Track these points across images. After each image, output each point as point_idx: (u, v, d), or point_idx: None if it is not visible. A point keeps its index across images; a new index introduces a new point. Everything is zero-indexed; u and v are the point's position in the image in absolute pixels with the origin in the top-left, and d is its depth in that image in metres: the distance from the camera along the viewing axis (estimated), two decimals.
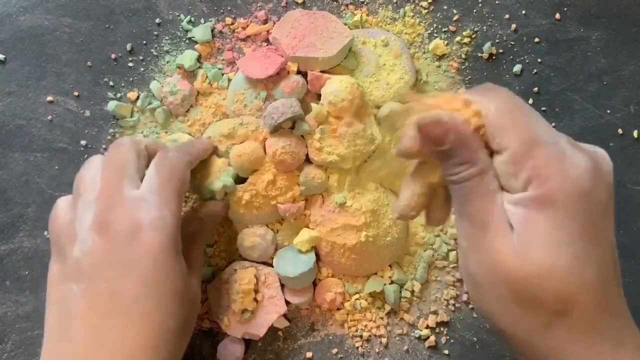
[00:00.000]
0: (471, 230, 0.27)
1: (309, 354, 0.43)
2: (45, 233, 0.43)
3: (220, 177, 0.40)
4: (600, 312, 0.26)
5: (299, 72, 0.42)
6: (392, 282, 0.42)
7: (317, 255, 0.42)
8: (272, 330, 0.43)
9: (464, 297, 0.43)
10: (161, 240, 0.31)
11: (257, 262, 0.42)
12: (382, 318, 0.43)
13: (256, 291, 0.41)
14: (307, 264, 0.40)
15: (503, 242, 0.26)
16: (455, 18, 0.45)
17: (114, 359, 0.29)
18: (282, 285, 0.42)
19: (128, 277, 0.31)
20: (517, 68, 0.45)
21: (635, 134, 0.44)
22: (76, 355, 0.30)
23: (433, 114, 0.26)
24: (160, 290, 0.31)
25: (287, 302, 0.42)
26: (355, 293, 0.42)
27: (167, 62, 0.45)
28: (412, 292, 0.43)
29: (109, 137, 0.44)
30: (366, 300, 0.42)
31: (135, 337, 0.30)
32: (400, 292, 0.42)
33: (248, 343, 0.42)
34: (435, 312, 0.43)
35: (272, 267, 0.41)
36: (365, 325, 0.42)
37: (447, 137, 0.26)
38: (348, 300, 0.42)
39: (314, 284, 0.43)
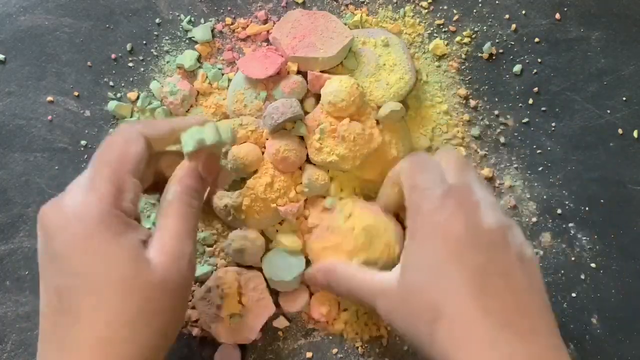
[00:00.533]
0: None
1: (309, 354, 0.43)
2: None
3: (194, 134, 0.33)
4: (475, 320, 0.28)
5: (299, 72, 0.42)
6: None
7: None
8: (272, 330, 0.43)
9: None
10: (85, 228, 0.29)
11: (243, 266, 0.42)
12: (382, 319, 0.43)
13: (240, 294, 0.41)
14: (299, 266, 0.41)
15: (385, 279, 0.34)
16: (455, 18, 0.45)
17: (71, 357, 0.28)
18: (277, 292, 0.42)
19: (64, 272, 0.29)
20: (517, 68, 0.45)
21: (635, 134, 0.44)
22: (44, 356, 0.29)
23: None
24: (98, 280, 0.29)
25: (285, 308, 0.42)
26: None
27: (167, 62, 0.45)
28: None
29: None
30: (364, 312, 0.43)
31: (83, 333, 0.28)
32: None
33: (247, 345, 0.42)
34: None
35: (257, 270, 0.42)
36: (365, 326, 0.42)
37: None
38: (345, 310, 0.42)
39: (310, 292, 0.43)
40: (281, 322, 0.42)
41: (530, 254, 0.31)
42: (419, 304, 0.30)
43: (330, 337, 0.43)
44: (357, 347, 0.43)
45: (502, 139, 0.45)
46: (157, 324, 0.30)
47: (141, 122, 0.36)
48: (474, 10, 0.45)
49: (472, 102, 0.45)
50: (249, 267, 0.42)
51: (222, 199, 0.40)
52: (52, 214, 0.30)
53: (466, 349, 0.28)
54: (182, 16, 0.45)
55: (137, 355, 0.29)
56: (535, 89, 0.45)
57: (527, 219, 0.44)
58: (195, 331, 0.42)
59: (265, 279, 0.42)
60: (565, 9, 0.45)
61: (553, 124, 0.45)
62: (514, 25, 0.45)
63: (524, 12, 0.45)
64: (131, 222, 0.30)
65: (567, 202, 0.44)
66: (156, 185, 0.36)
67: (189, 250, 0.31)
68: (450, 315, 0.29)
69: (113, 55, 0.44)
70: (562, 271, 0.43)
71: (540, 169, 0.44)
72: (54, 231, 0.30)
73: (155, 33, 0.45)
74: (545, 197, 0.44)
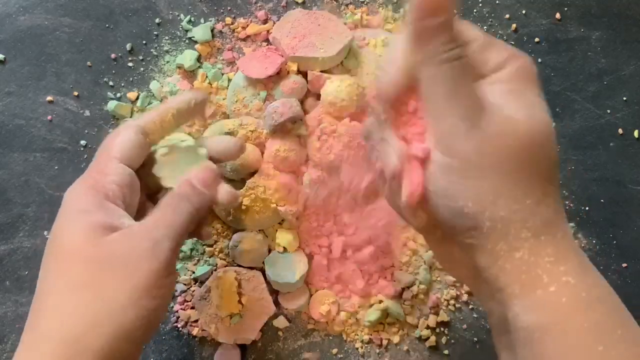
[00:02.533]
0: (468, 110, 0.26)
1: (309, 354, 0.43)
2: (45, 233, 0.43)
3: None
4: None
5: (299, 72, 0.42)
6: (392, 297, 0.42)
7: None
8: (272, 330, 0.43)
9: (464, 297, 0.43)
10: (63, 208, 0.31)
11: (242, 267, 0.42)
12: (381, 323, 0.43)
13: (240, 294, 0.41)
14: (303, 267, 0.41)
15: (507, 109, 0.26)
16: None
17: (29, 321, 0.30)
18: (277, 292, 0.42)
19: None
20: None
21: (635, 134, 0.44)
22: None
23: None
24: (55, 249, 0.31)
25: (285, 308, 0.42)
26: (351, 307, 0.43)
27: (167, 62, 0.44)
28: (416, 295, 0.43)
29: None
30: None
31: (36, 297, 0.30)
32: (402, 296, 0.43)
33: (247, 345, 0.42)
34: (435, 312, 0.43)
35: (257, 270, 0.42)
36: (365, 326, 0.42)
37: (447, 7, 0.26)
38: (344, 310, 0.42)
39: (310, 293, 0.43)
40: (281, 322, 0.42)
41: None
42: (551, 148, 0.28)
43: (330, 337, 0.43)
44: (357, 348, 0.43)
45: None
46: (99, 297, 0.29)
47: (138, 117, 0.37)
48: (474, 10, 0.45)
49: None
50: (249, 267, 0.42)
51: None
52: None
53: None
54: (182, 16, 0.45)
55: (75, 325, 0.28)
56: None
57: None
58: (195, 331, 0.42)
59: (265, 279, 0.42)
60: (566, 9, 0.45)
61: (553, 124, 0.44)
62: (514, 25, 0.45)
63: (524, 12, 0.45)
64: (104, 204, 0.31)
65: (567, 202, 0.44)
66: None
67: (156, 236, 0.30)
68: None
69: (113, 55, 0.44)
70: None
71: None
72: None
73: (155, 33, 0.45)
74: None
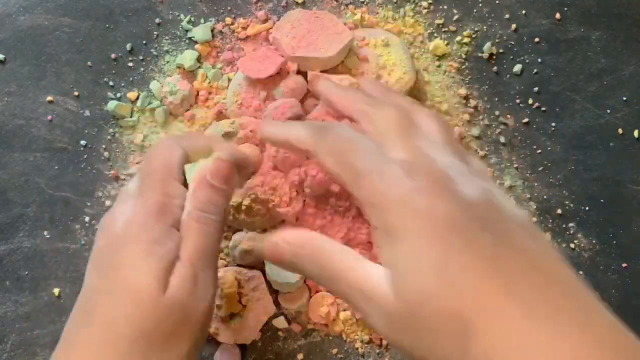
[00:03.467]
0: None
1: (308, 355, 0.43)
2: (45, 233, 0.43)
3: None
4: (515, 322, 0.23)
5: (299, 72, 0.42)
6: None
7: None
8: (272, 330, 0.43)
9: None
10: (124, 237, 0.29)
11: (243, 266, 0.42)
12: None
13: (240, 294, 0.41)
14: None
15: (377, 287, 0.26)
16: (455, 18, 0.45)
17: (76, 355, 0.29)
18: (277, 292, 0.42)
19: (96, 275, 0.30)
20: (517, 68, 0.45)
21: (635, 134, 0.44)
22: (55, 354, 0.30)
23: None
24: (118, 289, 0.28)
25: (285, 308, 0.42)
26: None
27: (167, 62, 0.45)
28: None
29: (108, 137, 0.44)
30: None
31: (91, 335, 0.28)
32: None
33: (247, 345, 0.42)
34: None
35: (257, 270, 0.42)
36: (365, 326, 0.42)
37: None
38: (345, 310, 0.42)
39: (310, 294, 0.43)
40: (281, 322, 0.42)
41: (524, 216, 0.26)
42: (436, 318, 0.23)
43: (330, 337, 0.43)
44: (357, 348, 0.43)
45: (502, 139, 0.45)
46: (166, 350, 0.28)
47: (180, 135, 0.37)
48: (474, 10, 0.45)
49: (472, 102, 0.45)
50: (249, 267, 0.42)
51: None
52: (107, 221, 0.31)
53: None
54: (182, 16, 0.45)
55: None
56: (536, 89, 0.45)
57: None
58: None
59: (266, 279, 0.42)
60: (566, 9, 0.45)
61: (553, 124, 0.44)
62: (514, 25, 0.45)
63: (524, 11, 0.45)
64: (172, 233, 0.29)
65: (567, 202, 0.44)
66: None
67: (205, 278, 0.29)
68: (485, 325, 0.23)
69: (113, 55, 0.44)
70: None
71: (540, 169, 0.44)
72: (101, 236, 0.30)
73: (155, 33, 0.45)
74: (545, 197, 0.44)
